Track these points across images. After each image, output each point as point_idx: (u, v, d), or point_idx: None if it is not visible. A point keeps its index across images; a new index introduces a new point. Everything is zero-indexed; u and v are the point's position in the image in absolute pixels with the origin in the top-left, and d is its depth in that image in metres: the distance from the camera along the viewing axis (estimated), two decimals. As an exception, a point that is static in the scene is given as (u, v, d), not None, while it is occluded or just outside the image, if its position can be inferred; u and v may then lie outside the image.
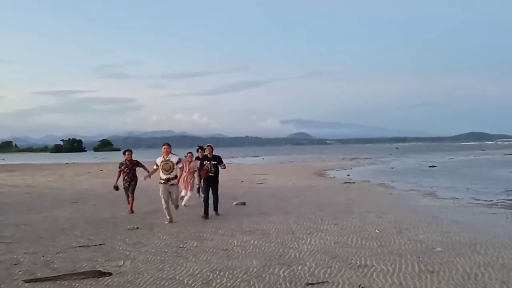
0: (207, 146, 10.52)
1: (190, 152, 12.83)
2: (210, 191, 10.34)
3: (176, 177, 9.59)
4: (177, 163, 9.51)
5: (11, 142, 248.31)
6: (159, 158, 9.60)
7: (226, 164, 10.79)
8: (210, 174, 10.17)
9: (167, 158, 9.46)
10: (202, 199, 10.58)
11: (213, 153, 10.37)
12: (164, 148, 9.60)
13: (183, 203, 11.85)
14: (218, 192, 10.51)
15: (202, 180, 10.68)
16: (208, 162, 10.21)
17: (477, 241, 7.37)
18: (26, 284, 5.38)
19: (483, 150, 76.55)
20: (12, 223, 9.90)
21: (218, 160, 10.35)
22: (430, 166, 33.01)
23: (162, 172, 9.49)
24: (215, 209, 10.39)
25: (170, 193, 9.63)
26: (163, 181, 9.50)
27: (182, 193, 12.12)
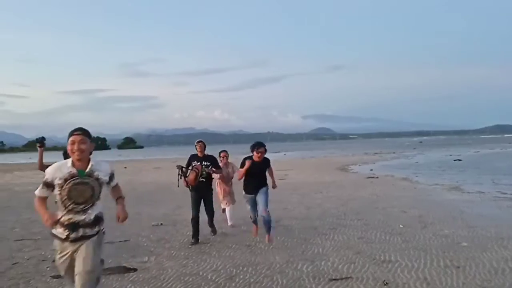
0: (198, 142, 7.94)
1: (225, 151, 9.10)
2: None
3: (99, 220, 3.96)
4: (110, 180, 4.06)
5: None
6: (56, 166, 3.65)
7: (218, 171, 8.01)
8: (200, 179, 7.61)
9: (85, 169, 3.69)
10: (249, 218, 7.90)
11: (206, 153, 7.90)
12: (73, 143, 3.58)
13: (229, 223, 8.86)
14: (213, 205, 7.96)
15: (190, 188, 7.77)
16: (199, 163, 7.66)
17: (504, 235, 7.23)
18: (54, 280, 5.51)
19: (510, 143, 74.78)
20: (40, 220, 10.07)
21: (212, 161, 7.87)
22: (455, 160, 32.43)
23: (64, 206, 3.74)
24: (211, 224, 8.04)
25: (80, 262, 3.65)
26: (65, 233, 3.75)
27: (225, 208, 9.01)
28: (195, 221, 7.47)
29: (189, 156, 7.97)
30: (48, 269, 5.99)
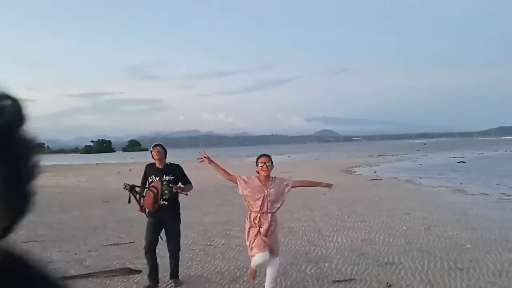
0: (155, 146, 5.45)
1: (266, 155, 4.93)
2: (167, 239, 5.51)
3: None
4: None
5: (43, 143, 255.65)
6: None
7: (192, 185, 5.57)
8: (161, 202, 5.24)
9: None
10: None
11: (169, 161, 5.54)
12: None
13: (266, 286, 4.95)
14: (180, 240, 5.54)
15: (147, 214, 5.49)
16: (157, 179, 5.27)
17: (508, 237, 7.23)
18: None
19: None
20: (46, 222, 10.20)
21: (178, 174, 5.42)
22: (459, 162, 32.32)
23: None
24: (174, 273, 5.50)
25: None
26: None
27: (257, 260, 4.84)
28: (151, 254, 5.33)
29: (145, 166, 5.58)
30: (53, 270, 6.04)
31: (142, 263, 6.29)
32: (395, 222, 8.85)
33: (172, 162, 5.57)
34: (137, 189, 5.37)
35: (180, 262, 6.00)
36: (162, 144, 5.53)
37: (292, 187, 4.93)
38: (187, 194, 5.51)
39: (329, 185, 5.25)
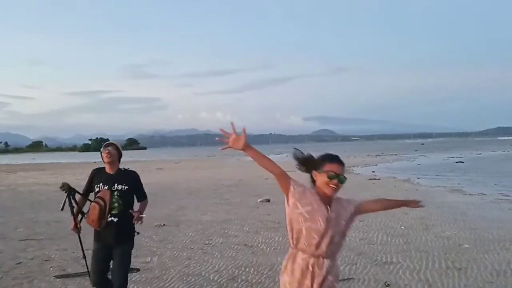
0: (106, 146, 4.17)
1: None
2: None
3: None
4: None
5: (41, 142, 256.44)
6: None
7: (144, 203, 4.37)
8: (109, 218, 3.96)
9: None
10: None
11: (123, 166, 4.29)
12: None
13: None
14: (128, 270, 4.12)
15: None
16: (106, 187, 4.03)
17: (506, 237, 7.24)
18: (57, 279, 5.54)
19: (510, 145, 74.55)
20: (44, 220, 10.19)
21: (133, 183, 4.15)
22: (457, 162, 32.37)
23: None
24: None
25: None
26: None
27: None
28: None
29: (91, 171, 4.37)
30: (51, 269, 6.03)
31: (139, 262, 6.28)
32: (393, 222, 8.86)
33: (126, 168, 4.28)
34: (78, 201, 4.26)
35: (178, 261, 6.00)
36: (116, 144, 4.21)
37: (357, 212, 2.91)
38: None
39: (419, 204, 2.89)
